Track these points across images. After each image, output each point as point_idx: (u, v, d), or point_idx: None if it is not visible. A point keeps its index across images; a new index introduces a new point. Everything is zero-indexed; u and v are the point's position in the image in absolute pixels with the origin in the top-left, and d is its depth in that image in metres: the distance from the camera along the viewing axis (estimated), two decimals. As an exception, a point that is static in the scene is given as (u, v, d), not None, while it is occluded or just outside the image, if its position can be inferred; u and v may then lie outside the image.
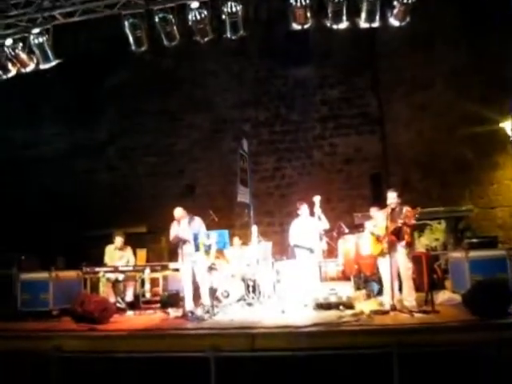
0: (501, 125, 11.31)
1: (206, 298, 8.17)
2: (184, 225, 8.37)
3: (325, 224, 9.01)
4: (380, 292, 9.07)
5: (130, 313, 9.01)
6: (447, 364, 5.53)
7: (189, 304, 8.18)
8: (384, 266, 7.72)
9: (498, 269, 7.60)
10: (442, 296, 8.20)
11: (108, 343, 6.59)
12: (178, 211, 8.48)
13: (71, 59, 9.46)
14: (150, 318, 8.46)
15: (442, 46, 12.60)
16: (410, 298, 7.38)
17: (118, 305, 9.21)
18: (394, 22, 7.76)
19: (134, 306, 9.41)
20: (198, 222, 8.47)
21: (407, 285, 7.46)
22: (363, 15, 7.70)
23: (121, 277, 9.41)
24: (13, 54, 8.66)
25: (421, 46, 12.65)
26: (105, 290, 9.12)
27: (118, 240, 9.80)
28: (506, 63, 11.26)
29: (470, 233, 10.84)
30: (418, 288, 7.76)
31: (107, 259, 9.70)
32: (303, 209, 9.00)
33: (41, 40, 8.48)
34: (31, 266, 10.49)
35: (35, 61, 8.75)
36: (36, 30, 8.46)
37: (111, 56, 13.28)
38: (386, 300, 7.62)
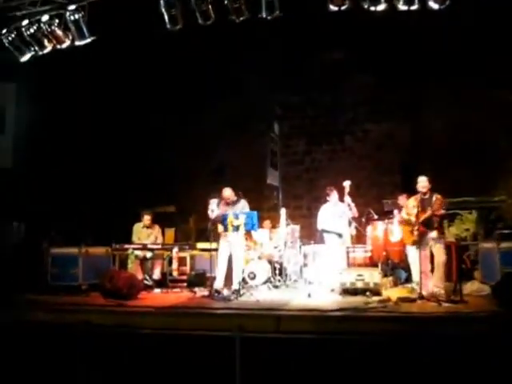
0: (539, 112, 11.03)
1: (237, 279, 8.21)
2: (228, 205, 8.42)
3: (354, 213, 8.99)
4: (407, 280, 9.03)
5: (157, 290, 9.13)
6: (473, 353, 5.46)
7: (219, 282, 8.23)
8: (413, 254, 7.65)
9: (529, 261, 7.46)
10: (470, 286, 8.11)
11: (135, 319, 6.68)
12: (227, 191, 8.54)
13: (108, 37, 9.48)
14: (177, 296, 8.56)
15: (480, 30, 12.21)
16: (438, 286, 7.31)
17: (146, 282, 9.33)
18: (434, 5, 7.57)
19: (161, 284, 9.54)
20: (242, 203, 8.51)
21: (438, 273, 7.37)
22: (402, -4, 7.54)
23: (149, 255, 9.53)
24: (49, 30, 8.74)
25: (459, 32, 12.32)
26: (133, 267, 9.25)
27: (146, 218, 9.90)
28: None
29: (502, 224, 10.63)
30: (446, 278, 7.66)
31: (134, 237, 9.81)
32: (333, 195, 8.97)
33: (76, 17, 8.55)
34: (62, 241, 10.69)
35: (71, 37, 8.82)
36: (72, 7, 8.52)
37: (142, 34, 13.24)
38: (415, 287, 7.57)
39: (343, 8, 7.67)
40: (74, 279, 9.12)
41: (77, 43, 8.80)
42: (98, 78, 13.95)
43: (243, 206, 8.51)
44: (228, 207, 8.46)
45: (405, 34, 12.93)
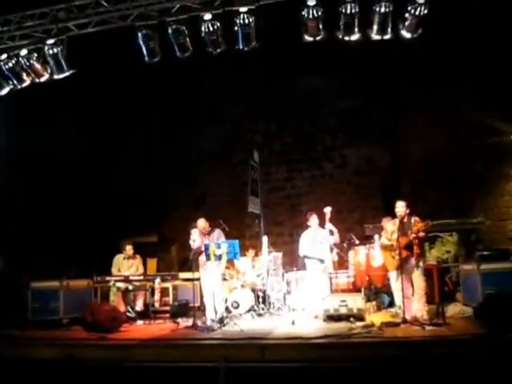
0: (512, 137, 11.28)
1: (219, 308, 8.19)
2: (204, 235, 8.49)
3: (336, 238, 9.04)
4: (390, 304, 9.06)
5: (139, 322, 9.04)
6: (458, 376, 5.48)
7: (211, 312, 8.22)
8: (395, 279, 7.70)
9: (510, 282, 7.52)
10: (453, 308, 8.17)
11: (118, 352, 6.61)
12: (202, 222, 8.67)
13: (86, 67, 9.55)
14: (160, 327, 8.47)
15: (456, 57, 12.51)
16: (421, 310, 7.34)
17: (128, 314, 9.24)
18: (406, 34, 7.76)
19: (143, 315, 9.43)
20: (217, 233, 8.57)
21: (419, 297, 7.41)
22: (375, 27, 7.70)
23: (131, 286, 9.44)
24: (27, 64, 8.76)
25: (434, 58, 12.59)
26: (115, 300, 9.16)
27: (128, 249, 9.84)
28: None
29: (482, 245, 10.76)
30: (429, 300, 7.70)
31: (114, 269, 9.73)
32: (313, 220, 9.03)
33: (55, 50, 8.57)
34: (42, 274, 10.56)
35: (49, 71, 8.84)
36: (51, 41, 8.55)
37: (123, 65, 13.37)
38: (397, 312, 7.59)
39: (318, 38, 7.82)
40: (54, 313, 9.01)
41: (55, 77, 8.82)
42: (78, 105, 14.00)
43: (218, 235, 8.61)
44: (204, 237, 8.52)
45: (381, 60, 13.20)
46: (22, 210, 12.76)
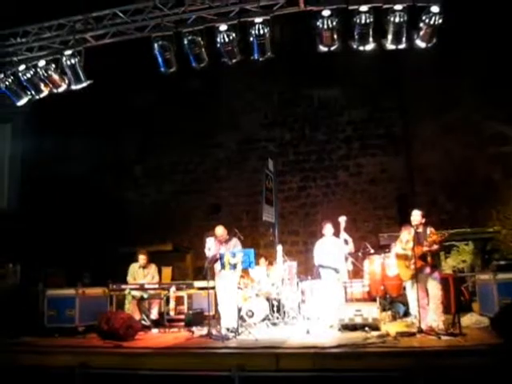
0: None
1: (234, 316, 8.19)
2: (221, 243, 8.51)
3: (351, 248, 9.03)
4: (406, 314, 9.00)
5: (154, 330, 9.05)
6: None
7: (229, 320, 8.22)
8: (411, 288, 7.66)
9: (527, 291, 7.47)
10: (469, 319, 8.10)
11: (133, 360, 6.62)
12: (220, 230, 8.64)
13: (101, 76, 9.67)
14: (175, 336, 8.49)
15: (469, 65, 12.49)
16: (437, 320, 7.29)
17: (143, 322, 9.26)
18: (421, 43, 7.78)
19: (158, 323, 9.45)
20: (234, 242, 8.58)
21: (434, 307, 7.37)
22: (389, 37, 7.74)
23: (146, 294, 9.48)
24: (45, 74, 8.91)
25: (447, 67, 12.58)
26: (130, 308, 9.18)
27: (142, 258, 9.87)
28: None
29: (498, 254, 10.66)
30: (444, 310, 7.65)
31: (130, 278, 9.78)
32: (327, 228, 9.03)
33: (73, 61, 8.72)
34: (58, 282, 10.66)
35: (67, 81, 8.98)
36: (68, 52, 8.69)
37: (140, 75, 13.54)
38: (413, 322, 7.55)
39: (333, 48, 7.87)
40: (70, 321, 9.04)
41: (73, 87, 8.95)
42: (93, 116, 14.17)
43: (235, 244, 8.61)
44: (221, 245, 8.52)
45: (394, 69, 13.22)
46: (39, 220, 12.93)
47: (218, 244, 8.57)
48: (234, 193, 14.47)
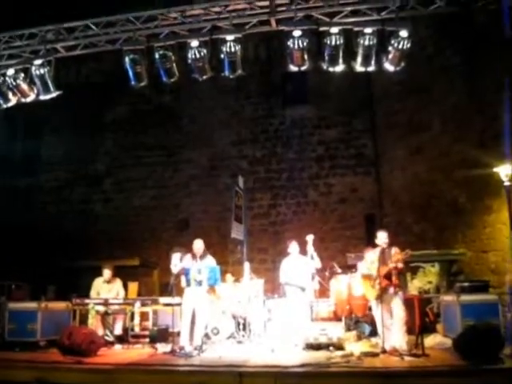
0: (495, 169, 11.36)
1: (199, 334, 8.08)
2: (195, 258, 8.35)
3: (317, 263, 9.03)
4: (371, 333, 9.02)
5: (118, 346, 8.89)
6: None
7: (184, 338, 8.08)
8: (377, 308, 7.69)
9: (489, 313, 7.55)
10: (432, 339, 8.15)
11: (94, 377, 6.50)
12: (199, 243, 8.43)
13: (72, 89, 9.59)
14: (138, 352, 8.35)
15: (439, 89, 12.74)
16: (400, 340, 7.32)
17: (107, 338, 9.09)
18: (389, 66, 7.92)
19: (122, 339, 9.29)
20: (210, 259, 8.44)
21: (398, 328, 7.39)
22: (359, 59, 7.86)
23: (110, 309, 9.33)
24: (14, 83, 8.77)
25: (418, 89, 12.82)
26: (93, 323, 9.01)
27: (106, 272, 9.71)
28: (502, 107, 11.35)
29: (463, 276, 10.81)
30: (409, 331, 7.68)
31: (93, 292, 9.60)
32: (293, 247, 9.02)
33: (42, 71, 8.59)
34: (22, 295, 10.42)
35: (36, 91, 8.86)
36: (38, 62, 8.58)
37: (111, 89, 13.51)
38: (378, 342, 7.57)
39: (303, 68, 7.95)
40: (32, 335, 8.81)
41: (42, 97, 8.84)
42: (64, 126, 14.07)
43: (211, 261, 8.43)
44: (194, 260, 8.35)
45: (366, 91, 13.43)
46: (4, 230, 12.70)
47: (192, 258, 8.39)
48: (204, 209, 14.44)
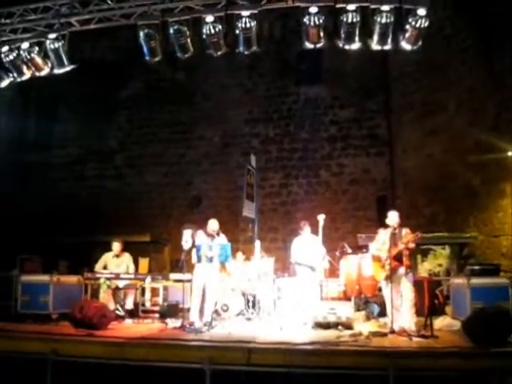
0: (510, 153, 11.24)
1: (209, 310, 8.14)
2: (209, 237, 8.34)
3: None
4: (380, 314, 9.04)
5: (128, 321, 8.98)
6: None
7: (194, 314, 8.14)
8: (385, 289, 7.70)
9: (499, 297, 7.54)
10: (441, 321, 8.14)
11: (105, 350, 6.57)
12: (215, 224, 8.37)
13: (87, 66, 9.56)
14: (148, 327, 8.43)
15: (456, 70, 12.56)
16: (409, 321, 7.33)
17: (117, 312, 9.18)
18: (406, 45, 7.80)
19: (132, 314, 9.39)
20: (221, 237, 8.44)
21: (407, 308, 7.40)
22: (375, 37, 7.74)
23: (121, 284, 9.41)
24: (28, 57, 8.75)
25: (434, 70, 12.65)
26: (105, 297, 9.11)
27: (116, 245, 9.71)
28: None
29: (474, 260, 10.75)
30: (418, 312, 7.69)
31: (100, 265, 9.55)
32: (305, 228, 9.01)
33: (56, 45, 8.56)
34: (34, 268, 10.54)
35: (50, 65, 8.85)
36: (52, 35, 8.55)
37: (126, 66, 13.48)
38: (386, 322, 7.59)
39: (319, 46, 7.87)
40: (44, 307, 8.93)
41: (56, 71, 8.82)
42: (77, 102, 14.05)
43: (222, 239, 8.43)
44: (208, 239, 8.34)
45: (381, 71, 13.27)
46: (18, 204, 12.81)
47: (208, 238, 8.38)
48: (215, 187, 14.46)
